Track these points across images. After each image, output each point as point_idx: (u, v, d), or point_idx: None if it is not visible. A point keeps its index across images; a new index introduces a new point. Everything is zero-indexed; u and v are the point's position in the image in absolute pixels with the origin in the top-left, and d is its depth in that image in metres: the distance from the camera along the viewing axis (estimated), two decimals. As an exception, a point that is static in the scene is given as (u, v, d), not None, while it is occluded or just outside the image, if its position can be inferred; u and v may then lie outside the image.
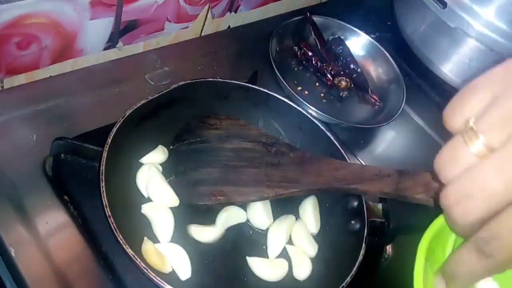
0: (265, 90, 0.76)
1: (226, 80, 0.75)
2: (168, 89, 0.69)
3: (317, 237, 0.70)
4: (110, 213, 0.56)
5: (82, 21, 0.72)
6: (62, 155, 0.66)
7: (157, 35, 0.84)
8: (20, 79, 0.73)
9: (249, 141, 0.72)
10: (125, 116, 0.64)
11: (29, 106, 0.71)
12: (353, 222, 0.68)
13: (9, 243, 0.58)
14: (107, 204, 0.57)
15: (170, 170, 0.69)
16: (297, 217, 0.72)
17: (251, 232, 0.70)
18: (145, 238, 0.62)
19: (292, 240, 0.70)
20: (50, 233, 0.61)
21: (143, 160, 0.69)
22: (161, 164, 0.70)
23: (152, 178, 0.66)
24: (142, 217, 0.65)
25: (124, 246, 0.55)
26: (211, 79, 0.74)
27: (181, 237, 0.65)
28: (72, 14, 0.70)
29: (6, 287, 0.60)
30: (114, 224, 0.56)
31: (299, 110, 0.76)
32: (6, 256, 0.58)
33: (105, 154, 0.60)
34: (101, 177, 0.58)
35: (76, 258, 0.61)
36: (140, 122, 0.68)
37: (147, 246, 0.61)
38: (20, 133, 0.68)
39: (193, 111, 0.74)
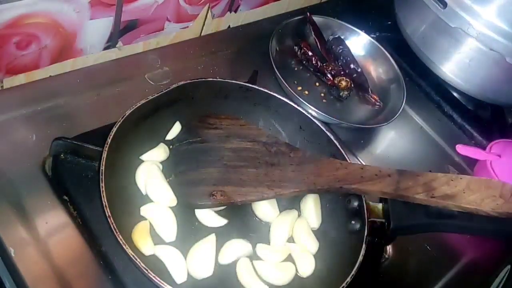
0: (265, 90, 0.76)
1: (226, 80, 0.75)
2: (168, 89, 0.69)
3: (317, 236, 0.70)
4: (110, 213, 0.56)
5: (82, 21, 0.72)
6: (61, 155, 0.66)
7: (157, 35, 0.84)
8: (20, 79, 0.73)
9: (249, 140, 0.72)
10: (125, 116, 0.64)
11: (29, 106, 0.71)
12: (353, 222, 0.68)
13: (9, 243, 0.58)
14: (106, 205, 0.57)
15: (170, 170, 0.69)
16: (299, 212, 0.72)
17: (255, 223, 0.70)
18: (143, 221, 0.63)
19: (294, 237, 0.70)
20: (50, 233, 0.61)
21: (144, 157, 0.69)
22: (162, 162, 0.70)
23: (151, 177, 0.67)
24: (142, 216, 0.65)
25: (124, 246, 0.55)
26: (211, 79, 0.74)
27: (180, 236, 0.65)
28: (72, 14, 0.70)
29: (5, 287, 0.60)
30: (114, 224, 0.56)
31: (299, 110, 0.76)
32: (6, 256, 0.58)
33: (104, 155, 0.60)
34: (101, 177, 0.58)
35: (76, 258, 0.61)
36: (140, 121, 0.68)
37: (141, 225, 0.62)
38: (20, 133, 0.68)
39: (193, 110, 0.74)
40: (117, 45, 0.80)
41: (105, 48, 0.79)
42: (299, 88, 0.92)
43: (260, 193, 0.66)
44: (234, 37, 0.96)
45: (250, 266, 0.65)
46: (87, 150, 0.65)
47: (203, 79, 0.73)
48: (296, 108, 0.76)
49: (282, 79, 0.87)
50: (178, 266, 0.61)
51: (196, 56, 0.89)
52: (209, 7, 0.88)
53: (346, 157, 0.72)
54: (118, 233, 0.56)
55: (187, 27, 0.88)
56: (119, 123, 0.64)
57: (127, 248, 0.55)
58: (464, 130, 1.00)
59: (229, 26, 0.97)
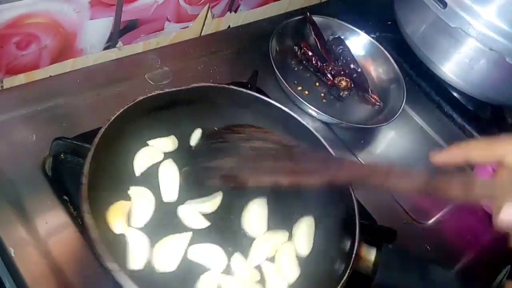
0: (288, 111, 0.73)
1: (250, 92, 0.74)
2: (188, 87, 0.69)
3: (301, 264, 0.67)
4: (85, 181, 0.56)
5: (82, 21, 0.72)
6: (61, 155, 0.66)
7: (157, 35, 0.84)
8: (20, 79, 0.73)
9: (272, 143, 0.69)
10: (137, 101, 0.65)
11: (29, 106, 0.71)
12: (338, 262, 0.64)
13: (9, 243, 0.58)
14: (87, 172, 0.56)
15: (186, 161, 0.69)
16: (290, 235, 0.69)
17: (239, 235, 0.68)
18: (125, 201, 0.64)
19: (275, 258, 0.66)
20: (50, 233, 0.61)
21: (151, 142, 0.70)
22: (166, 153, 0.70)
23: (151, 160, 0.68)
24: (128, 196, 0.65)
25: (84, 213, 0.54)
26: (233, 87, 0.73)
27: (157, 227, 0.64)
28: (72, 14, 0.70)
29: (5, 287, 0.60)
30: (85, 191, 0.55)
31: (319, 139, 0.73)
32: (6, 256, 0.58)
33: (105, 127, 0.61)
34: (95, 140, 0.59)
35: (76, 258, 0.61)
36: (154, 111, 0.68)
37: (122, 204, 0.63)
38: (20, 133, 0.68)
39: (212, 115, 0.74)
40: (117, 45, 0.80)
41: (105, 48, 0.79)
42: (299, 88, 0.92)
43: (275, 179, 0.63)
44: (234, 37, 0.96)
45: (214, 282, 0.62)
46: (87, 150, 0.65)
47: (225, 86, 0.73)
48: (315, 135, 0.73)
49: (282, 79, 0.87)
50: (139, 252, 0.60)
51: (196, 56, 0.89)
52: (209, 7, 0.88)
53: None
54: (85, 200, 0.54)
55: (187, 27, 0.88)
56: (128, 105, 0.64)
57: (86, 214, 0.54)
58: (464, 130, 1.00)
59: (229, 26, 0.97)
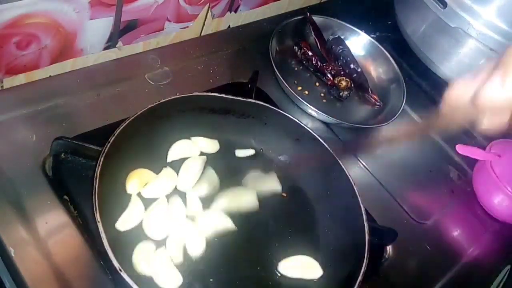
0: (334, 155, 0.73)
1: (303, 125, 0.75)
2: (243, 99, 0.73)
3: None
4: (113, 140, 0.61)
5: (82, 21, 0.72)
6: (62, 155, 0.66)
7: (157, 35, 0.84)
8: (20, 79, 0.73)
9: None
10: (191, 95, 0.70)
11: (29, 106, 0.71)
12: None
13: (9, 243, 0.58)
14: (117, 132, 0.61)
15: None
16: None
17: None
18: (151, 171, 0.69)
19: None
20: (50, 233, 0.61)
21: (193, 138, 0.74)
22: (203, 153, 0.74)
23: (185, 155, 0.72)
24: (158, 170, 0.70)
25: (97, 169, 0.58)
26: (289, 116, 0.75)
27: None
28: (72, 14, 0.70)
29: (5, 287, 0.60)
30: (107, 148, 0.60)
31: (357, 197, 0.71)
32: (6, 256, 0.58)
33: (150, 106, 0.65)
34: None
35: (76, 258, 0.61)
36: (205, 112, 0.73)
37: (147, 172, 0.68)
38: (20, 133, 0.68)
39: (264, 135, 0.77)
40: (117, 45, 0.80)
41: (105, 48, 0.79)
42: (299, 88, 0.92)
43: None
44: (234, 37, 0.96)
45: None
46: (87, 150, 0.65)
47: (282, 112, 0.75)
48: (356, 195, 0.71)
49: (282, 79, 0.87)
50: (131, 218, 0.64)
51: (196, 56, 0.89)
52: (209, 7, 0.88)
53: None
54: (102, 156, 0.60)
55: (187, 27, 0.88)
56: (186, 95, 0.69)
57: (98, 168, 0.59)
58: (464, 130, 1.00)
59: (229, 26, 0.97)
